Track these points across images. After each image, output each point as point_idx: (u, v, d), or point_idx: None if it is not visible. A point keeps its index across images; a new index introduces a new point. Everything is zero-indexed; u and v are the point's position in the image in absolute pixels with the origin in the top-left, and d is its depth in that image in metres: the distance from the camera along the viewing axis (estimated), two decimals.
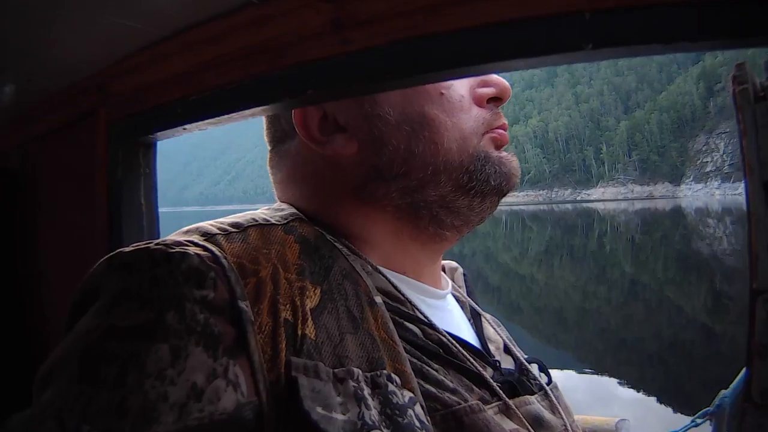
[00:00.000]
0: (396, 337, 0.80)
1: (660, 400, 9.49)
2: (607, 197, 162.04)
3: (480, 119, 0.95)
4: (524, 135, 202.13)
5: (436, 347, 0.86)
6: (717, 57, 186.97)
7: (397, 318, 0.85)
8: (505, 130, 0.98)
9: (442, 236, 0.98)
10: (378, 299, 0.83)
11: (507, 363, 0.99)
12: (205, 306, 0.69)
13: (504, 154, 0.96)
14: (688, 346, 12.70)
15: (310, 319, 0.74)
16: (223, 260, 0.74)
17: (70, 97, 1.28)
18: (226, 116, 0.97)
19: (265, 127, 1.06)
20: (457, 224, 0.97)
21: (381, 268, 0.91)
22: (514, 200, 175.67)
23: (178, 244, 0.75)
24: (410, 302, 0.89)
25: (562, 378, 9.72)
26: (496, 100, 0.98)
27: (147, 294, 0.69)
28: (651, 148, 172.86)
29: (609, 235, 48.20)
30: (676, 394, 9.80)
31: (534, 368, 1.02)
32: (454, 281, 1.14)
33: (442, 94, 0.91)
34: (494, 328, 1.06)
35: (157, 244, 0.75)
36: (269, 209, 0.95)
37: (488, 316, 1.21)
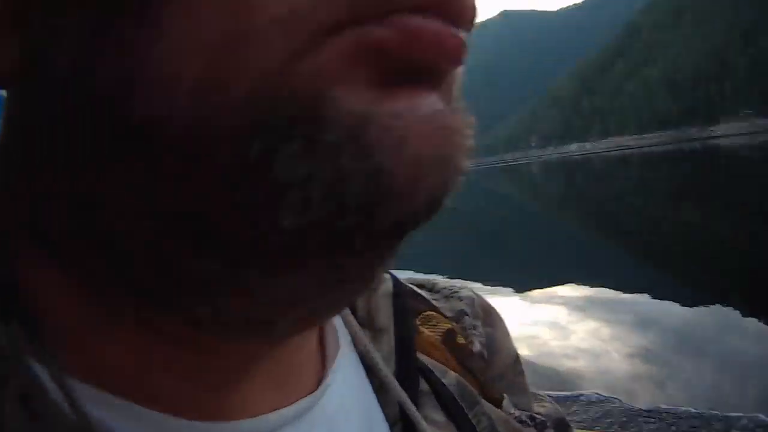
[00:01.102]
0: None
1: None
2: (731, 132, 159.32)
3: None
4: (652, 78, 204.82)
5: None
6: None
7: None
8: (441, 12, 0.27)
9: (212, 339, 0.35)
10: None
11: None
12: None
13: (414, 101, 0.27)
14: None
15: None
16: None
17: None
18: None
19: None
20: (229, 321, 0.32)
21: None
22: (643, 142, 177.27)
23: None
24: None
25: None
26: None
27: None
28: None
29: (735, 171, 43.96)
30: None
31: None
32: (370, 323, 0.55)
33: None
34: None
35: None
36: None
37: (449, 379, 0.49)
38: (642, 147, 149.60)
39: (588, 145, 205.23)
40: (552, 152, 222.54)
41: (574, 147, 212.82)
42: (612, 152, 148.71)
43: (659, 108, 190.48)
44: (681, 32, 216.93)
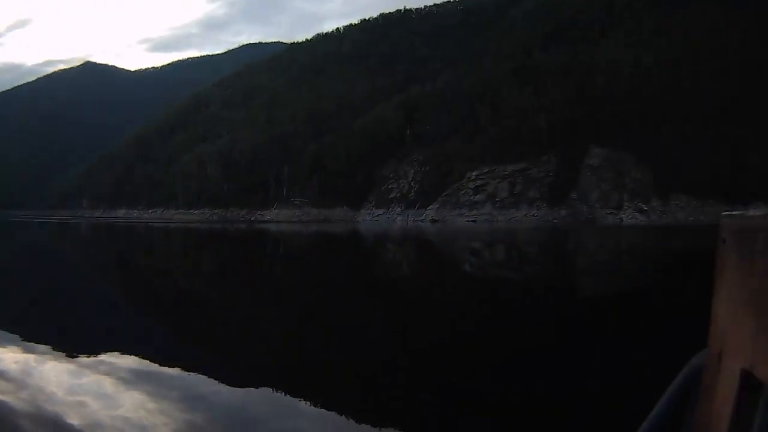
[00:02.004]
0: None
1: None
2: (282, 219, 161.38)
3: None
4: (208, 154, 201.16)
5: None
6: (424, 87, 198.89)
7: None
8: None
9: None
10: None
11: None
12: None
13: None
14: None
15: None
16: None
17: None
18: None
19: None
20: None
21: None
22: (190, 218, 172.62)
23: None
24: None
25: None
26: None
27: None
28: (335, 173, 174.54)
29: (282, 255, 50.13)
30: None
31: None
32: None
33: None
34: None
35: None
36: None
37: None
38: (187, 222, 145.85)
39: (135, 213, 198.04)
40: (101, 215, 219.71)
41: (122, 213, 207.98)
42: (156, 223, 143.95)
43: (211, 185, 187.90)
44: (249, 114, 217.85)
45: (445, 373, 11.63)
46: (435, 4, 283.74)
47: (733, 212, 1.34)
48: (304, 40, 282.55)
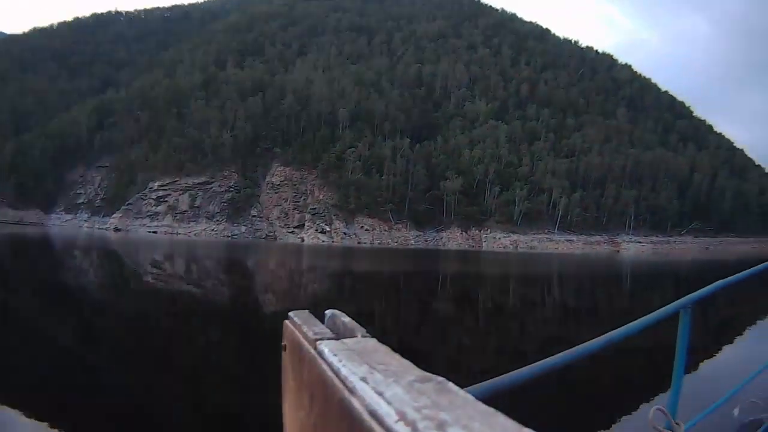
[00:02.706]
0: None
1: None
2: None
3: None
4: None
5: None
6: (119, 91, 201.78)
7: None
8: None
9: None
10: None
11: None
12: None
13: None
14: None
15: None
16: None
17: None
18: None
19: None
20: None
21: None
22: None
23: None
24: None
25: None
26: None
27: None
28: (29, 174, 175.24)
29: None
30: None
31: None
32: None
33: None
34: None
35: None
36: None
37: None
38: None
39: None
40: None
41: None
42: None
43: None
44: None
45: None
46: (145, 9, 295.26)
47: (297, 315, 1.00)
48: (21, 32, 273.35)
